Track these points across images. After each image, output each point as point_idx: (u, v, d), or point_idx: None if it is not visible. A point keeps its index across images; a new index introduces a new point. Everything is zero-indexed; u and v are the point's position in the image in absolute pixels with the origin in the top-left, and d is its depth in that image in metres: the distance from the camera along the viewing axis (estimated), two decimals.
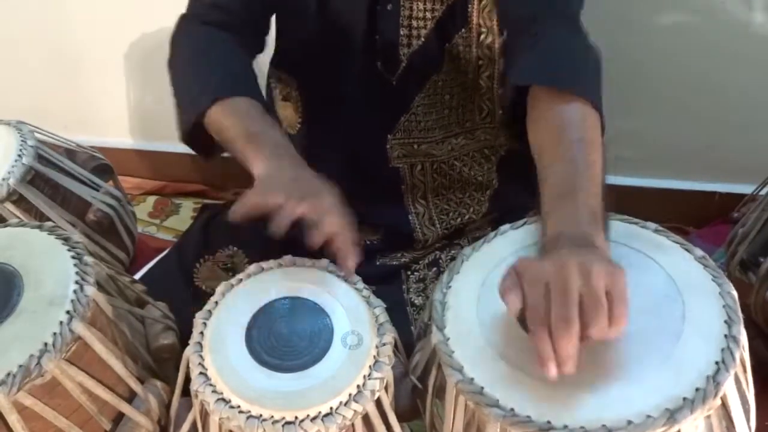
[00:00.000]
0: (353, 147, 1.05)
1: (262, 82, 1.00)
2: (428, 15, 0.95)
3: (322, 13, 0.96)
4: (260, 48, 1.03)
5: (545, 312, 0.59)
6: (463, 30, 0.96)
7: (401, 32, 0.96)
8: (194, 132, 0.89)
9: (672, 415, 0.58)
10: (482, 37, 0.96)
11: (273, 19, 1.03)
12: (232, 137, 0.84)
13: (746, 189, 1.25)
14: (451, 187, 1.09)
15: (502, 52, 0.97)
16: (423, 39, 0.96)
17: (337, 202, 0.77)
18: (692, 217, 1.50)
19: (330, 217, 0.74)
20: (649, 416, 0.58)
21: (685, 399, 0.59)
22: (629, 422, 0.58)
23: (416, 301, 1.01)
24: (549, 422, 0.59)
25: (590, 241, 0.66)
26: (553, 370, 0.58)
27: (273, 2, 0.98)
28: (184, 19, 0.98)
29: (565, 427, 0.59)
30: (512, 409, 0.61)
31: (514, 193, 1.09)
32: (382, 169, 1.06)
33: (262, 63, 1.05)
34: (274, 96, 1.11)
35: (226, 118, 0.86)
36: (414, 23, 0.95)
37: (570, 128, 0.75)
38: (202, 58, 0.94)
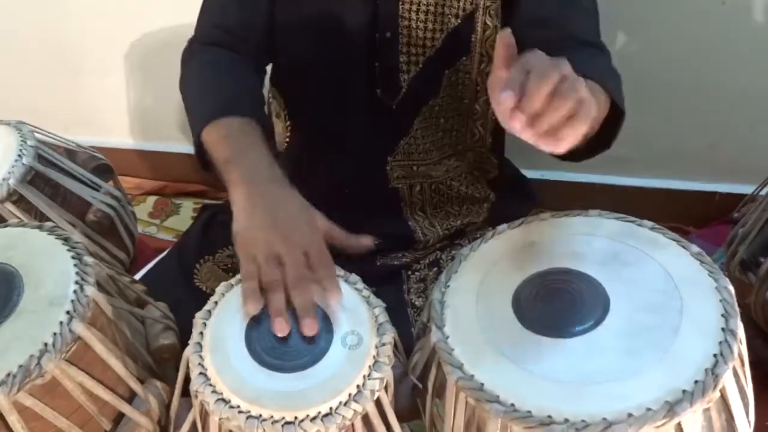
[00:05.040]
0: (353, 168, 1.05)
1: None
2: (428, 43, 0.96)
3: (321, 39, 0.96)
4: (266, 62, 1.03)
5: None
6: (464, 57, 0.97)
7: (401, 59, 0.97)
8: (202, 152, 0.88)
9: (672, 408, 0.58)
10: (483, 65, 0.97)
11: None
12: (217, 162, 0.84)
13: (746, 189, 1.24)
14: (449, 202, 1.10)
15: None
16: (421, 65, 0.97)
17: (315, 239, 0.75)
18: (692, 217, 1.49)
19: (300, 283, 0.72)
20: (649, 409, 0.59)
21: (684, 392, 0.59)
22: (630, 415, 0.58)
23: (417, 303, 1.01)
24: (550, 416, 0.60)
25: None
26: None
27: (272, 23, 0.97)
28: (191, 42, 0.99)
29: (566, 420, 0.59)
30: (513, 405, 0.61)
31: (514, 204, 1.10)
32: (382, 189, 1.07)
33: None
34: (270, 111, 1.11)
35: (213, 141, 0.85)
36: (413, 50, 0.96)
37: None
38: (201, 81, 0.94)
